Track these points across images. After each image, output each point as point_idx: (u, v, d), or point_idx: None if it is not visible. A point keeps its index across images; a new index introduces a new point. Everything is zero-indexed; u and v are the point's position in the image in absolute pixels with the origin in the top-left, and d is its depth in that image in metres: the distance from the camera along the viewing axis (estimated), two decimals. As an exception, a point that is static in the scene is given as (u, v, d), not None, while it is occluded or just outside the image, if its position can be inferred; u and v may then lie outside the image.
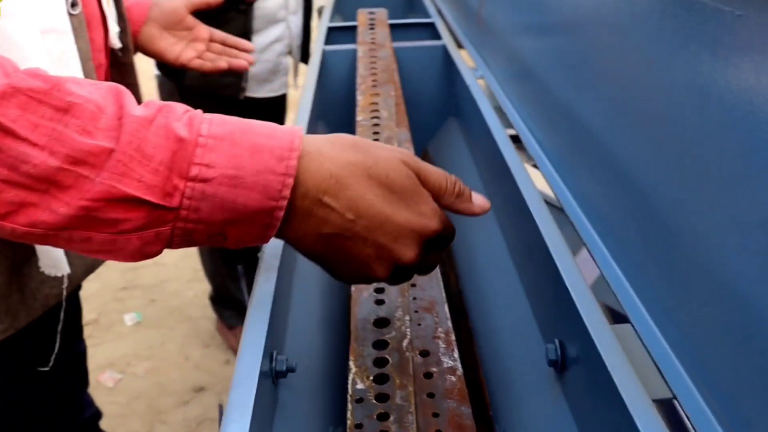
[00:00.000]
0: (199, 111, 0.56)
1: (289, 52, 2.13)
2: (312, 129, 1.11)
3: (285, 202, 0.55)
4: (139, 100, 0.69)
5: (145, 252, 0.54)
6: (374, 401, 0.68)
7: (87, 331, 2.34)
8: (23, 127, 0.49)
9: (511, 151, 0.98)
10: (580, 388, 0.68)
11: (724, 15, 0.55)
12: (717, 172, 0.57)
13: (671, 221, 0.65)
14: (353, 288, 0.83)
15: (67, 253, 0.87)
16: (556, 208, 0.92)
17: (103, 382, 2.34)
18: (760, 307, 0.51)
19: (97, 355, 2.43)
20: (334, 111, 1.45)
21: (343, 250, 0.59)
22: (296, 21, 2.11)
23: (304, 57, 2.19)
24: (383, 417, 0.67)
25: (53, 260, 0.85)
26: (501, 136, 1.03)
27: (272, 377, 0.65)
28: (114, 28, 1.01)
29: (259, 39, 2.01)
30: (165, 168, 0.52)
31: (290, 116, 2.41)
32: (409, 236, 0.59)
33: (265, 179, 0.54)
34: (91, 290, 2.75)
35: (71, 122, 0.50)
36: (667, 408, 0.89)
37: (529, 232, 0.83)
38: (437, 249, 0.65)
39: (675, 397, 0.58)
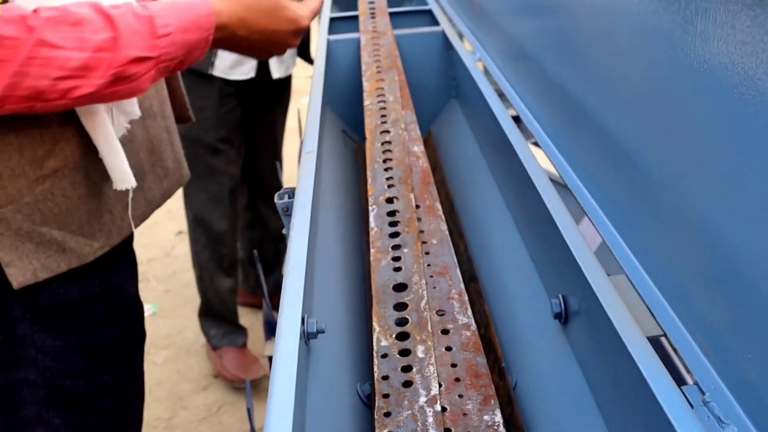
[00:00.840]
0: None
1: None
2: (323, 114, 1.18)
3: (212, 33, 0.97)
4: None
5: (143, 88, 0.90)
6: (398, 356, 0.76)
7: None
8: (61, 40, 0.81)
9: (513, 129, 1.05)
10: (582, 335, 0.75)
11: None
12: (701, 145, 0.63)
13: (659, 184, 0.72)
14: (372, 257, 0.91)
15: (143, 176, 1.05)
16: (553, 182, 0.99)
17: (125, 370, 2.41)
18: (734, 251, 0.58)
19: (116, 346, 2.49)
20: (342, 97, 1.52)
21: (255, 50, 1.09)
22: None
23: (303, 53, 2.25)
24: (407, 369, 0.74)
25: (121, 174, 0.97)
26: (503, 115, 1.10)
27: (305, 338, 0.72)
28: None
29: None
30: (148, 35, 0.88)
31: (298, 101, 2.48)
32: (292, 35, 1.10)
33: (198, 24, 0.94)
34: (106, 284, 2.81)
35: (85, 29, 0.83)
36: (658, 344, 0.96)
37: (532, 200, 0.90)
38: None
39: (665, 334, 0.65)
